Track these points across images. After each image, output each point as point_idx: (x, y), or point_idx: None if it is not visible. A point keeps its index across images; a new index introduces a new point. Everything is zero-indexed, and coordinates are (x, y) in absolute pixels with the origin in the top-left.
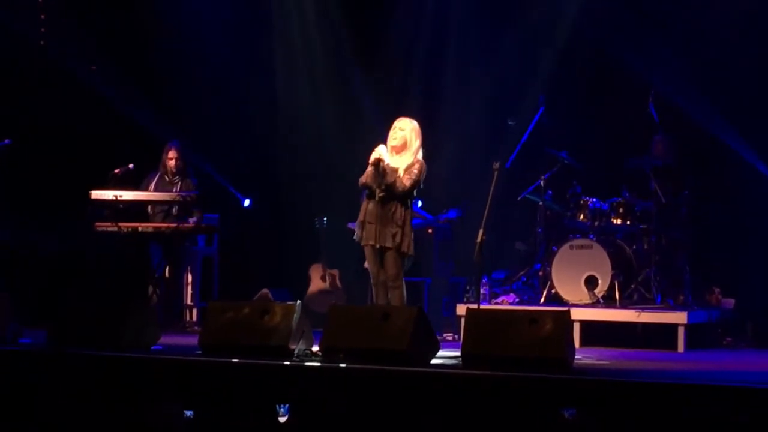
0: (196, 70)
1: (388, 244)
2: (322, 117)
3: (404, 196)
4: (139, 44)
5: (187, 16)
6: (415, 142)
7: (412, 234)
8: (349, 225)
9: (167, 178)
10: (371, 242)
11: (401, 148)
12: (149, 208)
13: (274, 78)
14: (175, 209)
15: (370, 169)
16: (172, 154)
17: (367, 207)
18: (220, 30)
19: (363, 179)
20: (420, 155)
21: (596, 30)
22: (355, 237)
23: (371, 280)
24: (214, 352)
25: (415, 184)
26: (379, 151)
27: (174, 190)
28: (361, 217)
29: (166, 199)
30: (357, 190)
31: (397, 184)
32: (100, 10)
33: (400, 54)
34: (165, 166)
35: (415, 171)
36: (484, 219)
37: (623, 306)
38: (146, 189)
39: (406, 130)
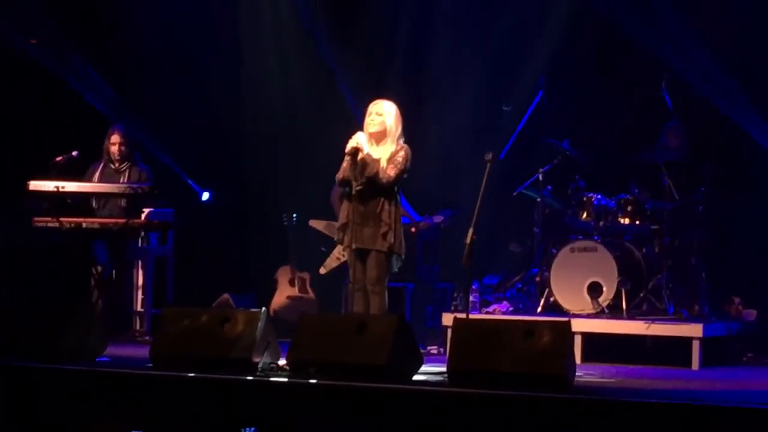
0: (151, 45)
1: (378, 247)
2: (293, 100)
3: (390, 189)
4: (87, 15)
5: None
6: (396, 128)
7: (402, 232)
8: (311, 222)
9: (113, 167)
10: (354, 244)
11: (381, 135)
12: (93, 201)
13: (239, 54)
14: (122, 202)
15: (347, 160)
16: (115, 138)
17: (349, 207)
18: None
19: (340, 174)
20: (402, 141)
21: (603, 3)
22: (336, 239)
23: (351, 286)
24: (168, 365)
25: (401, 173)
26: (357, 139)
27: (122, 180)
28: (343, 219)
29: (115, 191)
30: (328, 186)
31: (381, 175)
32: None
33: (381, 29)
34: (108, 152)
35: (400, 159)
36: (474, 217)
37: (631, 317)
38: (90, 180)
39: (384, 114)
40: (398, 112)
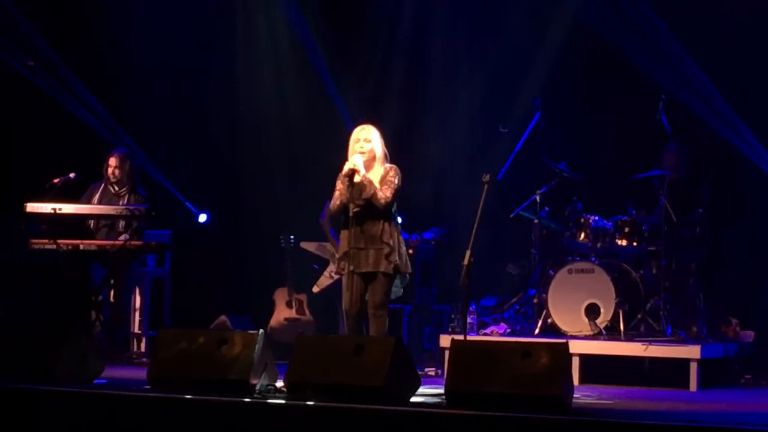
0: (145, 64)
1: (383, 269)
2: (290, 122)
3: (388, 210)
4: (85, 38)
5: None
6: (382, 151)
7: (406, 251)
8: (302, 244)
9: (113, 190)
10: (351, 268)
11: (371, 161)
12: (92, 223)
13: (235, 75)
14: (121, 224)
15: (339, 187)
16: (112, 161)
17: (349, 235)
18: (174, 17)
19: (337, 201)
20: (388, 162)
21: (600, 24)
22: (335, 271)
23: (346, 312)
24: (165, 387)
25: (396, 192)
26: (354, 162)
27: (121, 203)
28: (344, 248)
29: (111, 213)
30: (318, 209)
31: (379, 196)
32: None
33: (378, 49)
34: (108, 175)
35: (392, 178)
36: (471, 239)
37: (628, 338)
38: (89, 202)
39: (372, 140)
40: (380, 135)
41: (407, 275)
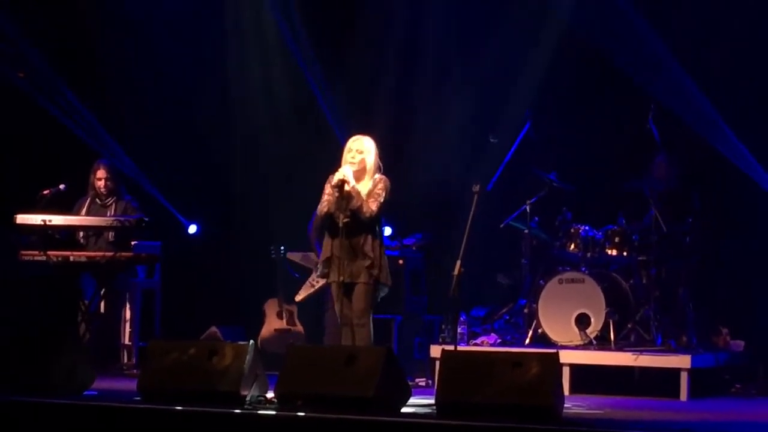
0: (135, 72)
1: (363, 279)
2: (281, 132)
3: (372, 223)
4: (73, 48)
5: (128, 8)
6: (374, 164)
7: (387, 263)
8: (289, 255)
9: (99, 201)
10: (341, 278)
11: (361, 172)
12: (80, 235)
13: (226, 84)
14: (110, 235)
15: (331, 193)
16: (101, 173)
17: (333, 242)
18: (166, 26)
19: (324, 208)
20: (380, 173)
21: (590, 35)
22: (319, 274)
23: (340, 321)
24: (155, 398)
25: (382, 206)
26: (344, 173)
27: (108, 213)
28: (327, 254)
29: (102, 225)
30: (307, 220)
31: (364, 209)
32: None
33: (368, 60)
34: (94, 188)
35: (380, 191)
36: (462, 249)
37: (619, 348)
38: (78, 215)
39: (364, 152)
40: (374, 145)
41: (386, 287)
